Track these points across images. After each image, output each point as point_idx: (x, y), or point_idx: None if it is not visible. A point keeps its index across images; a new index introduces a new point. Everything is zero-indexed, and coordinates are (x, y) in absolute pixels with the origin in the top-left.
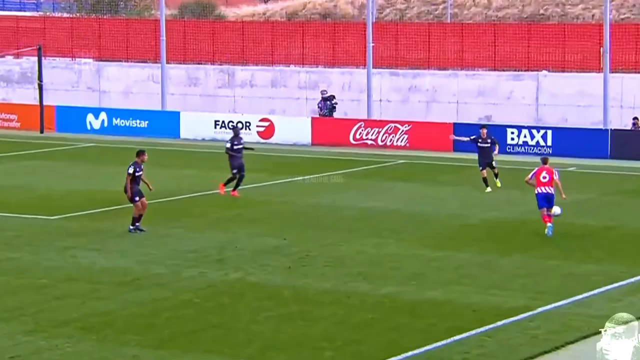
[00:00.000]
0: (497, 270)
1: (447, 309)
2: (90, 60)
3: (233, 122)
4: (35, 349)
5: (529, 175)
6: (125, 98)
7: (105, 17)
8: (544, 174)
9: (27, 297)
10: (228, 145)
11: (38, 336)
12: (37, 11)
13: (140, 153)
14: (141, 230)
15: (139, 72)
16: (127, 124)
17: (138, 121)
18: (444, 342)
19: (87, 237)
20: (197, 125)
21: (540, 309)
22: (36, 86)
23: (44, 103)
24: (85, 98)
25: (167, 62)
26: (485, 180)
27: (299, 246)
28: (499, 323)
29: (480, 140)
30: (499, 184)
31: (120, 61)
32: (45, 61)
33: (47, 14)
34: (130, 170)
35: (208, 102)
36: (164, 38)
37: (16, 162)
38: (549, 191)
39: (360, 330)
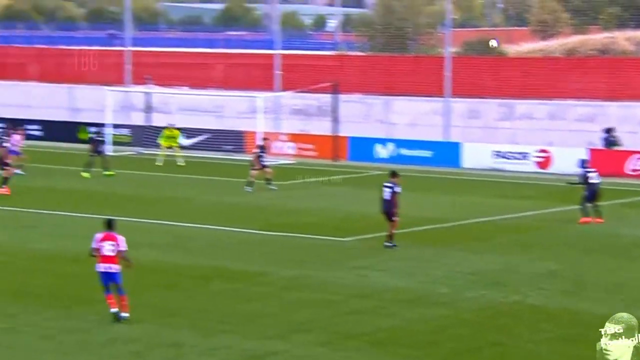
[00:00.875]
0: None
1: None
2: (380, 95)
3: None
4: (329, 359)
5: None
6: (412, 129)
7: (395, 55)
8: None
9: (322, 311)
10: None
11: (331, 347)
12: (334, 50)
13: (394, 174)
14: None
15: (424, 105)
16: (412, 154)
17: (422, 151)
18: None
19: (376, 257)
20: (477, 156)
21: None
22: (331, 118)
23: (338, 134)
24: (374, 129)
25: (451, 96)
26: None
27: (575, 271)
28: None
29: None
30: None
31: (407, 95)
32: (340, 96)
33: (343, 52)
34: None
35: (488, 134)
36: (449, 74)
37: (316, 188)
38: None
39: None
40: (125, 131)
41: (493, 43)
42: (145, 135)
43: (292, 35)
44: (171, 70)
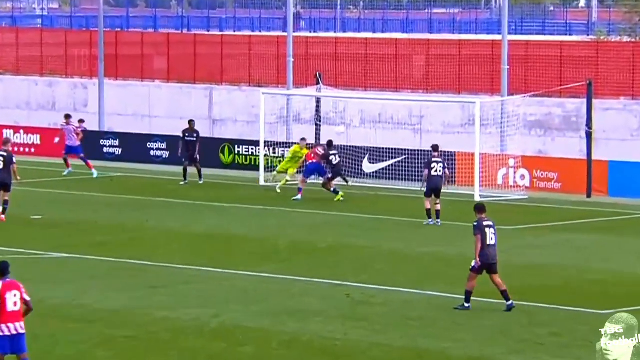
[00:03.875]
0: None
1: None
2: None
3: None
4: None
5: None
6: None
7: None
8: None
9: None
10: None
11: None
12: (588, 35)
13: None
14: None
15: None
16: None
17: None
18: None
19: None
20: None
21: None
22: (582, 135)
23: (593, 157)
24: None
25: None
26: None
27: None
28: None
29: None
30: None
31: None
32: (596, 101)
33: (601, 37)
34: None
35: None
36: None
37: (556, 234)
38: None
39: None
40: (287, 151)
41: None
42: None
43: (526, 13)
44: (349, 65)
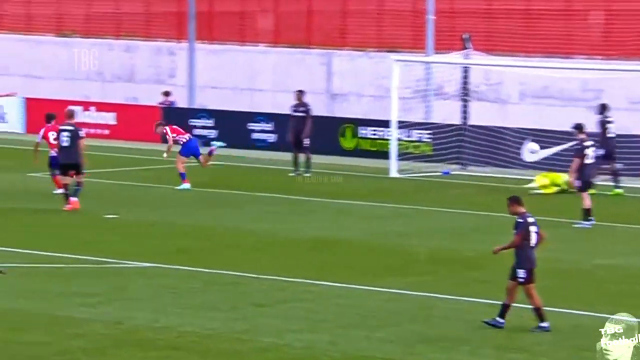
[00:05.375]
0: None
1: None
2: None
3: None
4: None
5: None
6: None
7: None
8: None
9: None
10: None
11: None
12: None
13: None
14: None
15: None
16: None
17: None
18: None
19: None
20: None
21: None
22: None
23: None
24: None
25: None
26: None
27: None
28: None
29: None
30: None
31: None
32: None
33: None
34: None
35: None
36: None
37: None
38: None
39: None
40: (425, 135)
41: None
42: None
43: None
44: (505, 24)
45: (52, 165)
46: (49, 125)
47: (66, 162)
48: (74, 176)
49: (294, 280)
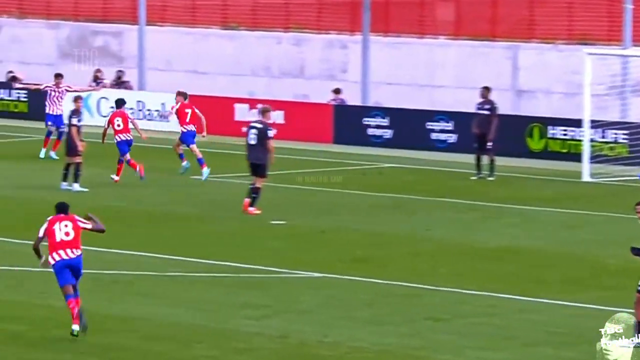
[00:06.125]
0: None
1: None
2: None
3: None
4: None
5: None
6: None
7: None
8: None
9: None
10: None
11: None
12: None
13: None
14: None
15: None
16: None
17: None
18: None
19: None
20: None
21: None
22: None
23: None
24: None
25: None
26: None
27: None
28: None
29: None
30: None
31: None
32: None
33: None
34: None
35: None
36: None
37: None
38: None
39: None
40: (621, 135)
41: None
42: None
43: None
44: None
45: (121, 152)
46: (117, 110)
47: (251, 162)
48: (256, 180)
49: (475, 293)
